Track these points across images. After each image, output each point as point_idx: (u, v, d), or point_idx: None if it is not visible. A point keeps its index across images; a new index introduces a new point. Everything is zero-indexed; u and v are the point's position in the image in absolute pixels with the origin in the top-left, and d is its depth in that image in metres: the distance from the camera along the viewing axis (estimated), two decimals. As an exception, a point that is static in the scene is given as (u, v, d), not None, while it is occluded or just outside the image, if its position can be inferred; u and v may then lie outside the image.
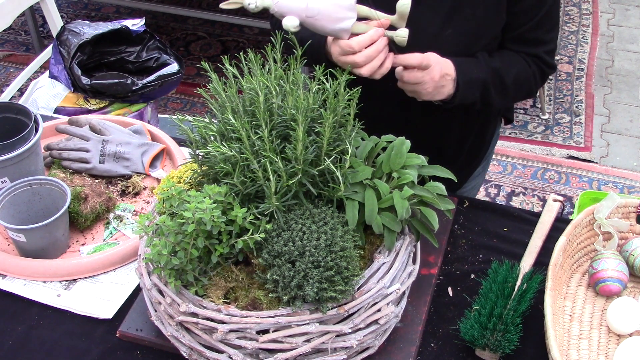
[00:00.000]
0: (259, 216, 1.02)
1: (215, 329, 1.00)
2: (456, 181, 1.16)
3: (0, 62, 3.67)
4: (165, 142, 1.57)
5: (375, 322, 1.06)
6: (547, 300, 1.10)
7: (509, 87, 1.36)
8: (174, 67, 2.27)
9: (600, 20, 3.91)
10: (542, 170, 2.96)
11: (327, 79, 1.07)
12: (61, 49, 2.20)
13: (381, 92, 1.35)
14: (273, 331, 1.00)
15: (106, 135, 1.52)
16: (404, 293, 1.13)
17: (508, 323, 1.11)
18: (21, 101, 2.34)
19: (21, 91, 2.53)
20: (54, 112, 2.18)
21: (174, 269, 1.03)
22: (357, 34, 1.16)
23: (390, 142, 1.15)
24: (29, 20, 3.44)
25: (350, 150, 1.05)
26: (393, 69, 1.22)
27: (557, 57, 3.52)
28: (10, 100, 2.42)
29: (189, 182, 1.17)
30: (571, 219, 1.26)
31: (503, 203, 2.78)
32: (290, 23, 1.11)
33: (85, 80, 2.15)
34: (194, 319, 1.02)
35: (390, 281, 1.06)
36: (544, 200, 2.80)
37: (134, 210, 1.43)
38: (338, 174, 1.03)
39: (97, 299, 1.25)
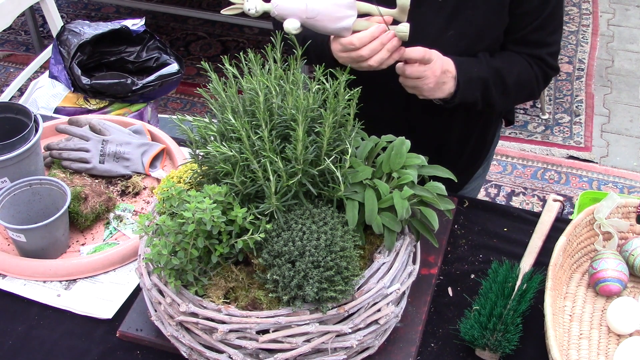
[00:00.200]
0: (259, 216, 1.02)
1: (215, 329, 1.00)
2: (456, 181, 1.16)
3: (0, 62, 3.67)
4: (165, 142, 1.57)
5: (375, 322, 1.06)
6: (547, 300, 1.10)
7: (511, 88, 1.35)
8: (174, 67, 2.27)
9: (600, 20, 3.91)
10: (542, 170, 2.96)
11: (327, 79, 1.07)
12: (61, 49, 2.20)
13: (382, 92, 1.34)
14: (273, 331, 1.00)
15: (106, 135, 1.52)
16: (404, 293, 1.13)
17: (508, 323, 1.11)
18: (21, 101, 2.34)
19: (21, 91, 2.53)
20: (54, 112, 2.18)
21: (174, 269, 1.03)
22: (358, 32, 1.16)
23: (390, 142, 1.15)
24: (29, 20, 3.45)
25: (350, 150, 1.05)
26: (394, 66, 1.22)
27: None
28: (10, 100, 2.42)
29: (189, 182, 1.17)
30: (571, 219, 1.26)
31: (503, 203, 2.78)
32: (291, 26, 1.11)
33: (85, 80, 2.15)
34: (194, 319, 1.02)
35: (390, 281, 1.06)
36: (544, 200, 2.80)
37: (134, 210, 1.43)
38: (338, 174, 1.03)
39: (97, 299, 1.25)
